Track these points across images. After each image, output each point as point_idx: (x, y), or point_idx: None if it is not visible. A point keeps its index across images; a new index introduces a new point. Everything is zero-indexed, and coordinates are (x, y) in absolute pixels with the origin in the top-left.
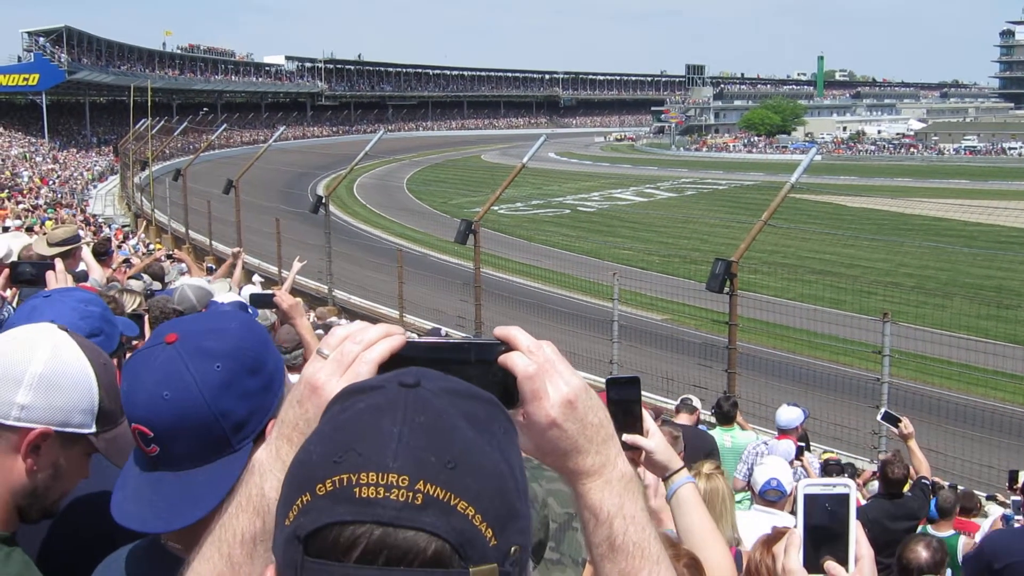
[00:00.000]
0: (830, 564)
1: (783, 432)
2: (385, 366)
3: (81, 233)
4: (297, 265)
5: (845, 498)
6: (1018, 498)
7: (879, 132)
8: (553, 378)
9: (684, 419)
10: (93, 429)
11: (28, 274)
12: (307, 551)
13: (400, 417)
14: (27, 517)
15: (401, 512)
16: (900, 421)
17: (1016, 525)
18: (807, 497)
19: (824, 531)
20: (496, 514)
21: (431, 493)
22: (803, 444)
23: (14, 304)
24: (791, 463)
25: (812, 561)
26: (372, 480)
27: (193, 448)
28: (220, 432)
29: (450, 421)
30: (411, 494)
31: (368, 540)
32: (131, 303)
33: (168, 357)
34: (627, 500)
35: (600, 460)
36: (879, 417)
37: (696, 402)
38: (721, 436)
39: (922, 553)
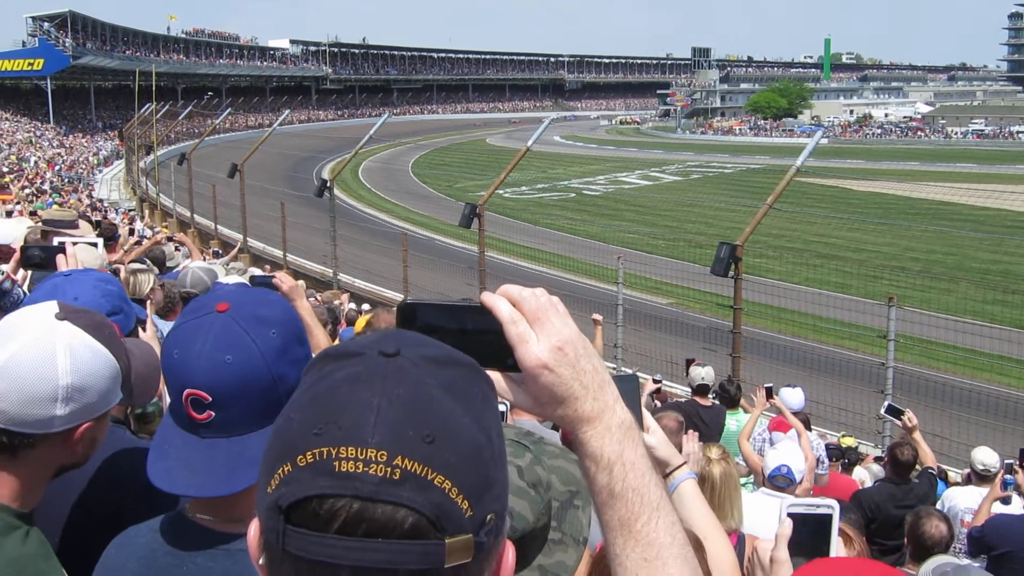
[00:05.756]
0: None
1: (782, 416)
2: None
3: (80, 214)
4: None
5: (828, 518)
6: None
7: (886, 115)
8: (543, 324)
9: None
10: (120, 396)
11: (37, 257)
12: (288, 520)
13: (379, 389)
14: (60, 473)
15: (379, 487)
16: (903, 413)
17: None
18: (791, 516)
19: (807, 548)
20: (472, 485)
21: (409, 468)
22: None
23: (25, 287)
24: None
25: None
26: (352, 455)
27: (250, 412)
28: (275, 396)
29: (428, 392)
30: (389, 469)
31: (347, 513)
32: (147, 283)
33: (224, 324)
34: (627, 447)
35: (599, 406)
36: (882, 410)
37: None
38: (727, 419)
39: (941, 527)
